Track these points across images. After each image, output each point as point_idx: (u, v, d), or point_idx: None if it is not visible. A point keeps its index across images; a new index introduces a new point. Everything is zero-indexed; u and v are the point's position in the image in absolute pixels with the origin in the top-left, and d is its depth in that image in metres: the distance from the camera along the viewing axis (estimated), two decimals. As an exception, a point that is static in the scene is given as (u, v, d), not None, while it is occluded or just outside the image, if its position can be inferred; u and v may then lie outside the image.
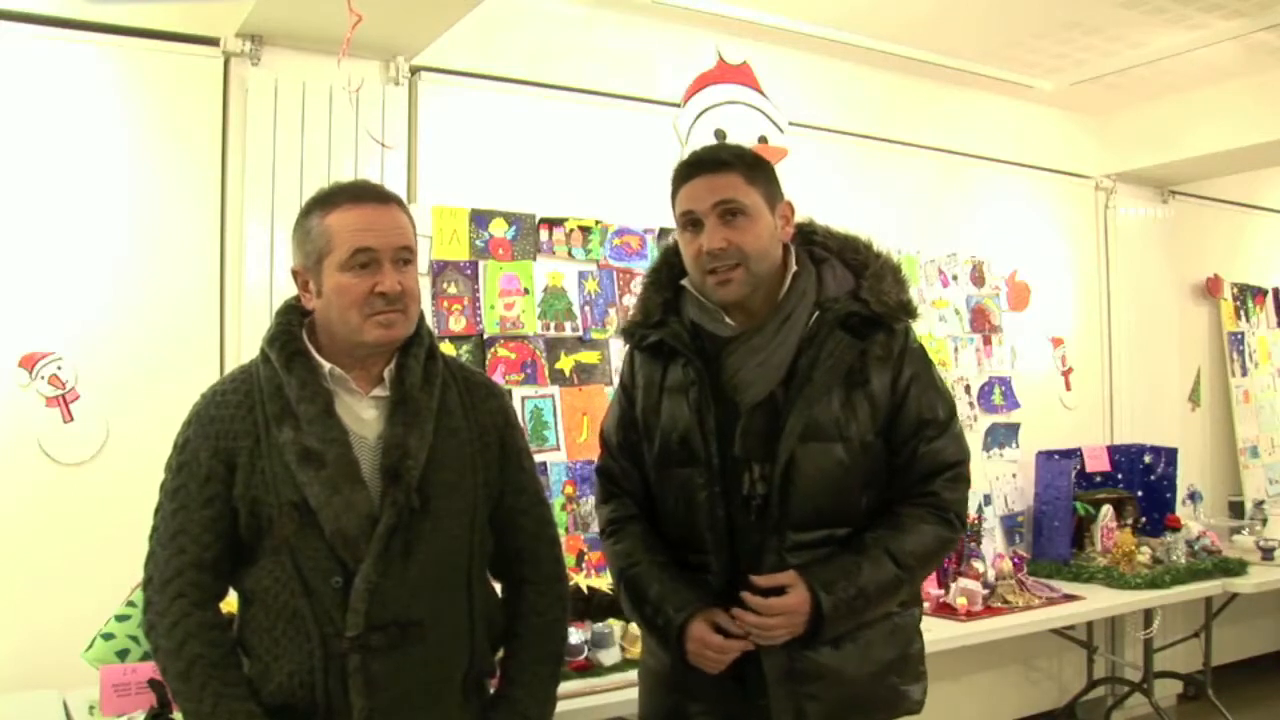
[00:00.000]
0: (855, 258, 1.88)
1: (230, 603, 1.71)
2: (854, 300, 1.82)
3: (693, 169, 1.83)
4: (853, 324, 1.80)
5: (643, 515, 1.94)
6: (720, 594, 1.79)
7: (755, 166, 1.84)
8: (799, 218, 1.93)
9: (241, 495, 1.61)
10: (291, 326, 1.69)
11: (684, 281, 1.89)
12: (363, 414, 1.66)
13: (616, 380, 3.40)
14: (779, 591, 1.73)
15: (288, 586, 1.59)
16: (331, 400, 1.64)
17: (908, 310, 1.85)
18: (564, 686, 1.88)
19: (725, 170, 1.80)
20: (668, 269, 1.95)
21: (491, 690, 1.80)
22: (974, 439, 4.37)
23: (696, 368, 1.82)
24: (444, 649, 1.66)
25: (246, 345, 2.84)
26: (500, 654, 1.80)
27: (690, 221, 1.81)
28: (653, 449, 1.89)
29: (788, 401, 1.78)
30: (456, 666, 1.69)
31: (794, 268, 1.85)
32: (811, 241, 1.92)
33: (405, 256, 1.66)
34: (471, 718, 1.72)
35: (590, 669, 2.66)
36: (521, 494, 1.81)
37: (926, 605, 2.73)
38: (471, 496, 1.71)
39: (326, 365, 1.66)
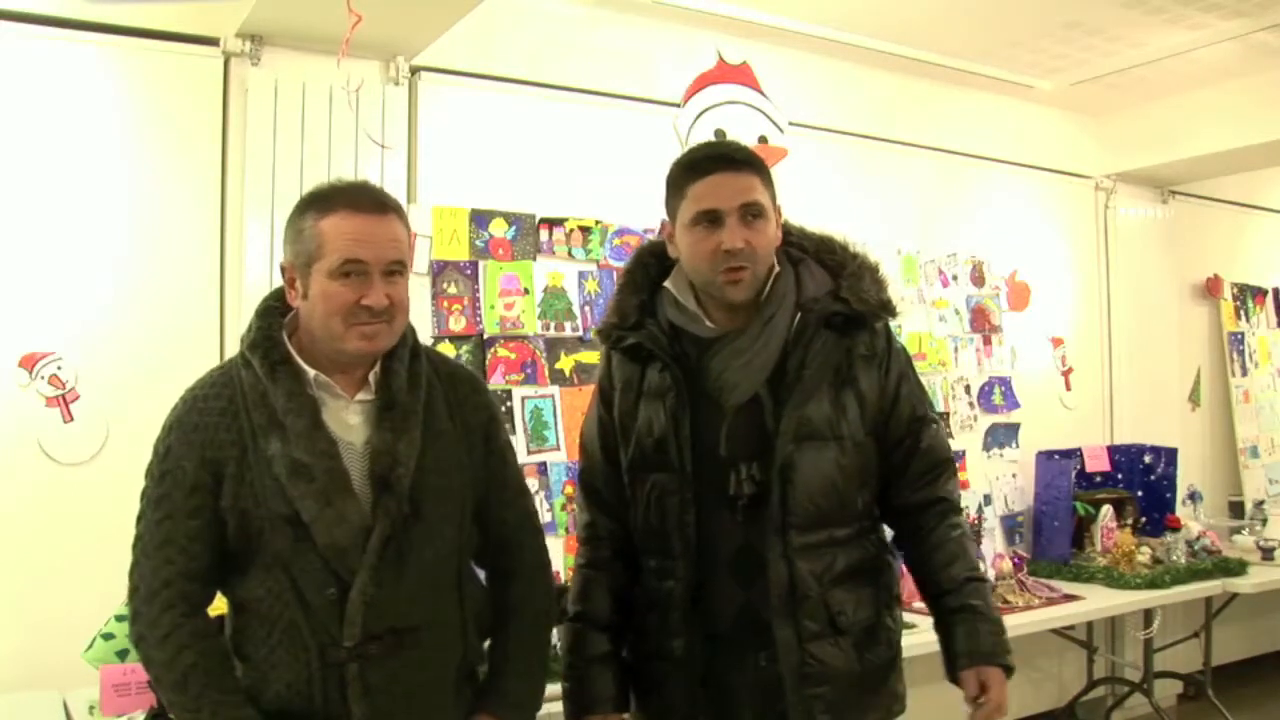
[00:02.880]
0: (832, 258, 1.89)
1: (218, 605, 1.70)
2: (835, 300, 1.83)
3: (714, 163, 1.80)
4: (836, 323, 1.82)
5: (615, 556, 1.93)
6: (684, 601, 1.81)
7: (764, 169, 1.85)
8: None
9: (230, 507, 1.58)
10: (272, 331, 1.66)
11: (667, 283, 1.88)
12: (349, 419, 1.65)
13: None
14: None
15: (282, 599, 1.58)
16: (318, 410, 1.62)
17: (888, 308, 1.86)
18: (557, 687, 1.89)
19: (748, 170, 1.80)
20: (642, 270, 1.94)
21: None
22: (974, 439, 4.37)
23: (674, 373, 1.82)
24: (439, 650, 1.66)
25: (246, 345, 2.85)
26: (488, 644, 1.80)
27: (710, 219, 1.78)
28: (628, 453, 1.89)
29: (777, 401, 1.78)
30: (450, 664, 1.69)
31: (776, 269, 1.84)
32: (787, 242, 1.91)
33: (395, 269, 1.63)
34: (463, 707, 1.72)
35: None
36: (505, 488, 1.81)
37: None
38: (460, 497, 1.71)
39: (311, 372, 1.63)
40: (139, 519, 1.63)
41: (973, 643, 1.80)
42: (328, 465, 1.58)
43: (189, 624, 1.57)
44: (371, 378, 1.66)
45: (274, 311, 1.70)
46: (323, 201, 1.64)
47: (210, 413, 1.62)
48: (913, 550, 1.91)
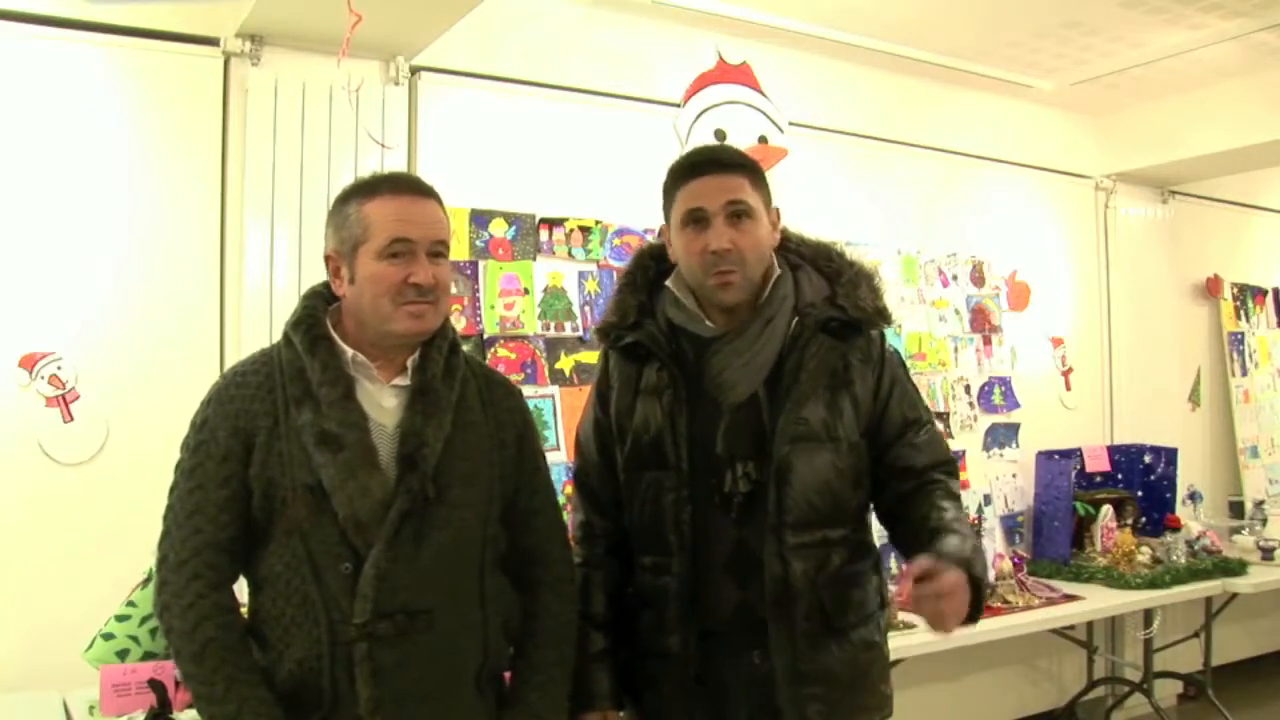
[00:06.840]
0: (829, 265, 1.91)
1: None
2: (831, 306, 1.85)
3: (701, 166, 1.84)
4: (833, 328, 1.84)
5: (609, 554, 1.94)
6: (680, 598, 1.81)
7: (757, 171, 1.87)
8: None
9: (257, 475, 1.61)
10: (316, 311, 1.70)
11: (668, 282, 1.90)
12: (383, 402, 1.68)
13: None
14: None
15: (298, 571, 1.59)
16: (353, 386, 1.65)
17: (884, 316, 1.88)
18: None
19: (735, 171, 1.82)
20: (642, 271, 1.96)
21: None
22: (974, 439, 4.38)
23: (672, 372, 1.84)
24: (454, 640, 1.66)
25: (246, 345, 2.84)
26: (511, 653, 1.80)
27: (696, 219, 1.81)
28: (624, 451, 1.90)
29: (775, 402, 1.80)
30: (468, 660, 1.68)
31: (777, 271, 1.86)
32: (785, 249, 1.93)
33: (439, 250, 1.68)
34: (486, 713, 1.71)
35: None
36: (535, 494, 1.82)
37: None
38: (486, 489, 1.72)
39: (349, 351, 1.67)
40: (171, 490, 1.65)
41: (944, 547, 1.69)
42: (356, 437, 1.61)
43: (213, 596, 1.59)
44: (409, 363, 1.70)
45: (319, 296, 1.74)
46: (366, 188, 1.69)
47: (247, 386, 1.66)
48: (905, 511, 1.84)
